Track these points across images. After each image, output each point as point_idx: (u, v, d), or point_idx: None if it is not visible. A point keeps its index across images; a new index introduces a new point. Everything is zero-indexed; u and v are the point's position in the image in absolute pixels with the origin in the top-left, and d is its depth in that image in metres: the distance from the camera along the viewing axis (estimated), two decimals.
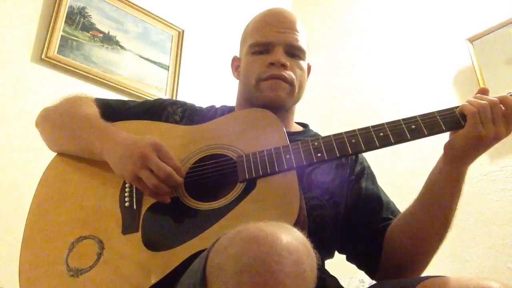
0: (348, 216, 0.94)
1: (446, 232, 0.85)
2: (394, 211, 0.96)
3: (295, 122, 1.12)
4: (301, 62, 1.02)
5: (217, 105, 1.12)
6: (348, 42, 2.61)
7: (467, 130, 0.76)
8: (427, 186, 0.85)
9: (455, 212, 0.84)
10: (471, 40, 1.99)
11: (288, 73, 0.98)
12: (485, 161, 1.79)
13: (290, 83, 0.98)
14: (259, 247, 0.48)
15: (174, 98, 2.10)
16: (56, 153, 0.97)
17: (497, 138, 0.77)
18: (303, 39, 1.03)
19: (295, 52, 1.01)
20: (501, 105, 0.77)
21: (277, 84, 0.97)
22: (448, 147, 0.80)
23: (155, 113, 1.02)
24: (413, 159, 1.96)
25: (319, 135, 1.08)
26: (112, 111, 1.01)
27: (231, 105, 1.12)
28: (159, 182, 0.77)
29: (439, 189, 0.82)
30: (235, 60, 1.12)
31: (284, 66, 0.97)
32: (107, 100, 1.06)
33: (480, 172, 1.79)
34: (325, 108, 2.50)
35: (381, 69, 2.39)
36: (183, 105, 1.07)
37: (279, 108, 0.98)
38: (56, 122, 0.96)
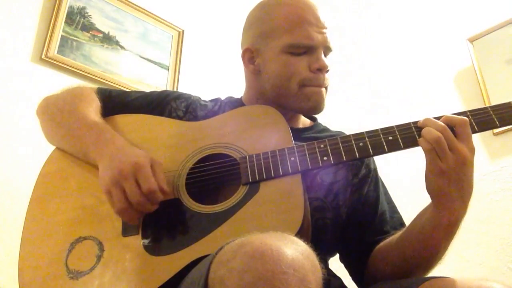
0: (348, 221, 0.92)
1: (437, 263, 0.80)
2: (390, 222, 0.92)
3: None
4: None
5: (222, 98, 1.09)
6: (348, 42, 2.61)
7: (428, 169, 0.72)
8: (416, 227, 0.79)
9: (448, 248, 0.78)
10: (471, 40, 2.00)
11: (327, 78, 0.96)
12: (485, 161, 1.78)
13: (326, 87, 0.96)
14: (264, 264, 0.46)
15: None
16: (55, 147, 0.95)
17: (465, 163, 0.70)
18: None
19: (328, 53, 0.97)
20: (454, 127, 0.71)
21: (322, 93, 0.94)
22: (428, 192, 0.75)
23: (157, 107, 0.99)
24: (413, 157, 1.96)
25: (328, 129, 1.07)
26: (114, 103, 0.99)
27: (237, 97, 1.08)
28: (128, 207, 0.73)
29: (428, 234, 0.76)
30: (247, 51, 1.00)
31: (327, 71, 0.95)
32: (110, 91, 1.04)
33: (480, 172, 1.78)
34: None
35: (381, 69, 2.39)
36: (188, 99, 1.03)
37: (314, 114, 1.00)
38: (55, 117, 0.93)
